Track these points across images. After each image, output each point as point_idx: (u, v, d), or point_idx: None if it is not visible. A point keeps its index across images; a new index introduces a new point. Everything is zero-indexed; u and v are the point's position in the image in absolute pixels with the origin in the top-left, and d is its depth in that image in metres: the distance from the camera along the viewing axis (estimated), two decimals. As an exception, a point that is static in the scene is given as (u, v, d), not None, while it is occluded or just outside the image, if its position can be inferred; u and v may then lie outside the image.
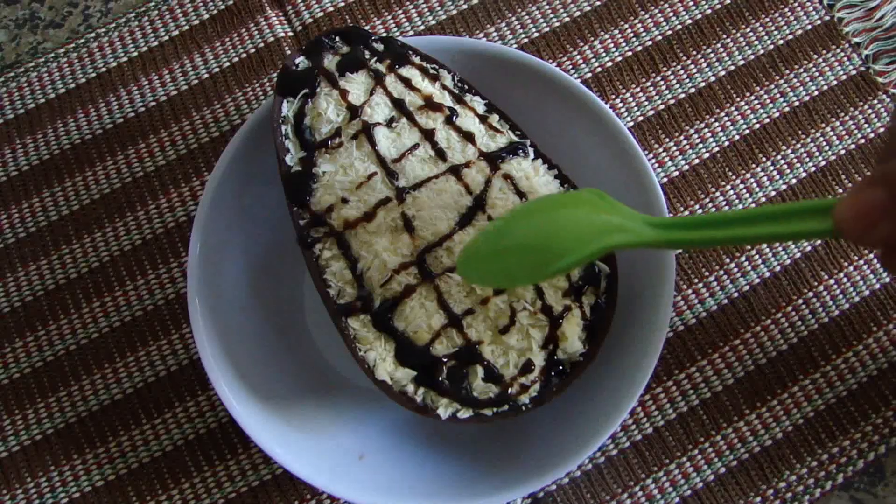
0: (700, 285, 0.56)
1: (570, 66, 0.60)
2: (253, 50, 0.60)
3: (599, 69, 0.60)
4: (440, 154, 0.47)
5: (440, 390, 0.45)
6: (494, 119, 0.50)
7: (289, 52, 0.60)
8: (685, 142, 0.58)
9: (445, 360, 0.45)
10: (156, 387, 0.55)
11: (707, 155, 0.58)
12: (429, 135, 0.48)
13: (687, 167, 0.58)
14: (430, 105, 0.48)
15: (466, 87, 0.50)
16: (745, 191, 0.57)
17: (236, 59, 0.60)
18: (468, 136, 0.48)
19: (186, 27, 0.61)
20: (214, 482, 0.54)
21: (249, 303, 0.54)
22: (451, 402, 0.45)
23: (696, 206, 0.57)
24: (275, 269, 0.55)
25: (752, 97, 0.59)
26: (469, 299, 0.45)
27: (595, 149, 0.51)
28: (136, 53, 0.61)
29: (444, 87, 0.50)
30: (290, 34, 0.61)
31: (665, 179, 0.57)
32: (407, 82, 0.49)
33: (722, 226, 0.33)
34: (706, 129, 0.58)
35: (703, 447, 0.53)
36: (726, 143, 0.58)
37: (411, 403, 0.46)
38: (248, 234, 0.54)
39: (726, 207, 0.57)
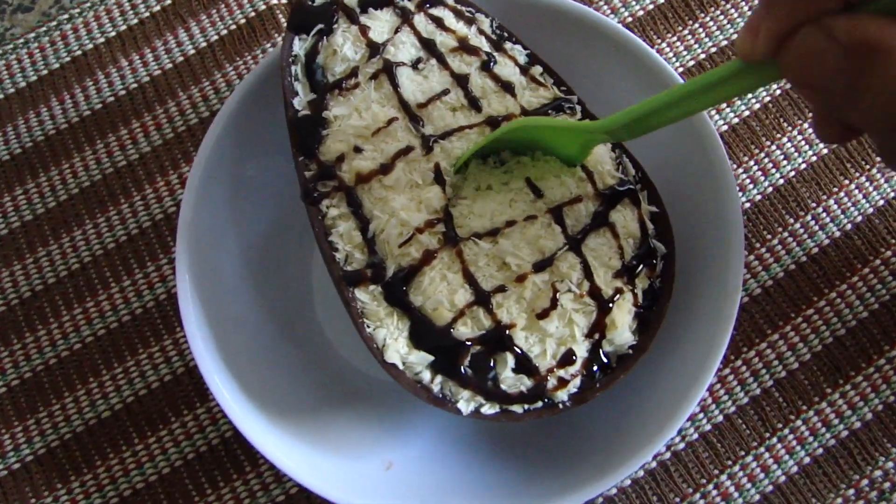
0: (763, 250, 0.49)
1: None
2: (243, 20, 0.54)
3: (630, 18, 0.54)
4: (473, 103, 0.41)
5: (461, 380, 0.38)
6: (537, 71, 0.43)
7: (283, 22, 0.54)
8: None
9: (469, 344, 0.38)
10: (148, 400, 0.48)
11: (758, 105, 0.52)
12: (461, 80, 0.41)
13: (737, 120, 0.51)
14: (464, 47, 0.42)
15: (506, 34, 0.44)
16: (803, 142, 0.51)
17: (224, 31, 0.54)
18: (507, 87, 0.42)
19: (169, 1, 0.55)
20: (220, 506, 0.46)
21: (251, 298, 0.47)
22: (473, 395, 0.39)
23: (752, 162, 0.50)
24: (278, 257, 0.49)
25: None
26: (501, 274, 0.39)
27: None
28: (113, 33, 0.55)
29: (481, 32, 0.43)
30: (284, 1, 0.55)
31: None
32: (439, 22, 0.43)
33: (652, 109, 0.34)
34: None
35: (783, 434, 0.46)
36: (778, 92, 0.52)
37: (426, 393, 0.39)
38: (246, 216, 0.47)
39: (784, 161, 0.50)
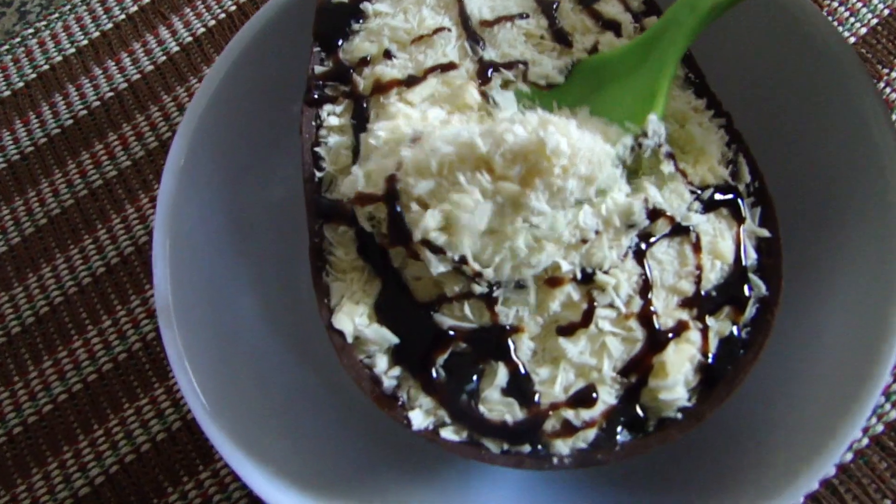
0: None
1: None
2: (233, 7, 0.47)
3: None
4: (560, 37, 0.32)
5: (428, 382, 0.28)
6: (652, 21, 0.34)
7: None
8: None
9: (453, 335, 0.28)
10: (137, 468, 0.38)
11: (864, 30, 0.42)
12: (546, 7, 0.33)
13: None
14: None
15: None
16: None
17: (212, 21, 0.46)
18: (611, 26, 0.33)
19: (147, 0, 0.47)
20: None
21: (259, 322, 0.37)
22: (437, 407, 0.28)
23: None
24: (290, 260, 0.38)
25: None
26: (522, 268, 0.29)
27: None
28: (85, 41, 0.47)
29: None
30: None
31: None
32: None
33: None
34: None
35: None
36: (875, 21, 0.42)
37: (372, 387, 0.29)
38: (245, 215, 0.37)
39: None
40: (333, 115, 0.32)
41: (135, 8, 0.47)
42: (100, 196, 0.43)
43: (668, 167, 0.30)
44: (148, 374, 0.40)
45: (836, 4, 0.43)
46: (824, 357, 0.31)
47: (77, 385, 0.40)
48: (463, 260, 0.27)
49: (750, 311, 0.29)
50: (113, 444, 0.38)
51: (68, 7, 0.48)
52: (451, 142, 0.27)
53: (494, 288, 0.28)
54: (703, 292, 0.29)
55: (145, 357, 0.40)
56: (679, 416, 0.28)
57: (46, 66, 0.47)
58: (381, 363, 0.29)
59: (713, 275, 0.29)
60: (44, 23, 0.48)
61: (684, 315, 0.29)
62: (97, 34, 0.47)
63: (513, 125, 0.27)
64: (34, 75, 0.47)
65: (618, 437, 0.28)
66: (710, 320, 0.29)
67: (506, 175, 0.27)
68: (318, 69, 0.33)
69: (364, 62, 0.32)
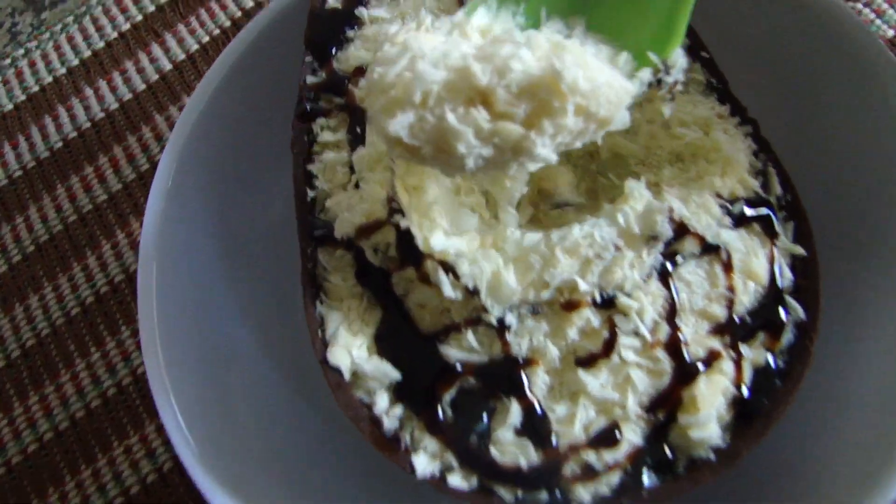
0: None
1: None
2: (228, 23, 0.45)
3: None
4: None
5: (433, 422, 0.26)
6: None
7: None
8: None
9: (461, 371, 0.26)
10: None
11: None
12: None
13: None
14: None
15: None
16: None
17: (207, 38, 0.45)
18: None
19: (139, 17, 0.46)
20: None
21: (255, 352, 0.34)
22: (444, 450, 0.25)
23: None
24: (291, 294, 0.36)
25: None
26: (535, 287, 0.26)
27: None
28: (76, 62, 0.45)
29: None
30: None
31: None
32: None
33: None
34: None
35: None
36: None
37: (371, 428, 0.26)
38: (238, 242, 0.35)
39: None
40: (327, 130, 0.30)
41: (127, 26, 0.46)
42: (89, 222, 0.41)
43: (668, 109, 0.27)
44: (138, 409, 0.37)
45: (860, 6, 0.40)
46: (869, 386, 0.29)
47: (64, 423, 0.37)
48: (476, 290, 0.25)
49: (787, 337, 0.27)
50: (100, 486, 0.36)
51: (60, 27, 0.46)
52: (439, 64, 0.22)
53: (506, 314, 0.26)
54: (735, 317, 0.26)
55: (135, 392, 0.38)
56: (711, 455, 0.25)
57: (37, 88, 0.45)
58: (382, 401, 0.26)
59: (746, 297, 0.27)
60: (35, 43, 0.46)
61: (716, 343, 0.26)
62: (88, 53, 0.45)
63: (518, 49, 0.22)
64: (24, 97, 0.45)
65: (644, 480, 0.25)
66: (743, 348, 0.26)
67: (508, 113, 0.21)
68: (311, 80, 0.30)
69: (360, 71, 0.30)
